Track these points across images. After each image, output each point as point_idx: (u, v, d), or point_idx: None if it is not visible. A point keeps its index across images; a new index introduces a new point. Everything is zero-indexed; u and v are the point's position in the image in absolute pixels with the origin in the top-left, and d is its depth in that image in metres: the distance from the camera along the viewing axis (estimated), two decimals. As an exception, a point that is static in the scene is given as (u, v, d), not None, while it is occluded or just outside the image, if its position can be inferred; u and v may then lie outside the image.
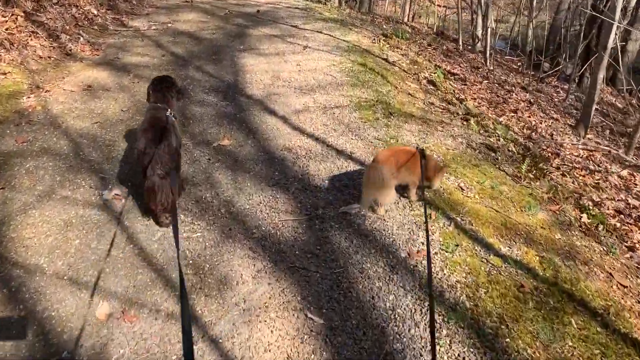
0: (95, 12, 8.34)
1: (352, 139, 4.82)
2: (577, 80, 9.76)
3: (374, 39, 8.65)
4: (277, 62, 6.87)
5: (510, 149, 5.19)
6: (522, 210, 3.95)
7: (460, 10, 11.80)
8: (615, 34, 6.89)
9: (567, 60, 11.88)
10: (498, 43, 17.73)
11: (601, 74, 6.67)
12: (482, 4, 10.72)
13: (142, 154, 3.17)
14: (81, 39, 7.12)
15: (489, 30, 9.16)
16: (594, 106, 6.79)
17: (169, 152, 3.18)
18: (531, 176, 4.62)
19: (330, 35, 8.42)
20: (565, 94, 8.58)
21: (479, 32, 11.58)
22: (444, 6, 23.84)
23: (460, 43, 10.49)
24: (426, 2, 23.50)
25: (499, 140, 5.38)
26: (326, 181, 4.05)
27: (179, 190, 3.66)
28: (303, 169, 4.23)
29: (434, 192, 3.99)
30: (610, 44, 6.51)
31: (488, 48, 9.19)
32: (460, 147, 5.01)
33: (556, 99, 8.56)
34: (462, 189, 4.12)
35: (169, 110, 3.54)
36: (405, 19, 15.15)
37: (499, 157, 4.93)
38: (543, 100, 8.22)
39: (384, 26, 10.90)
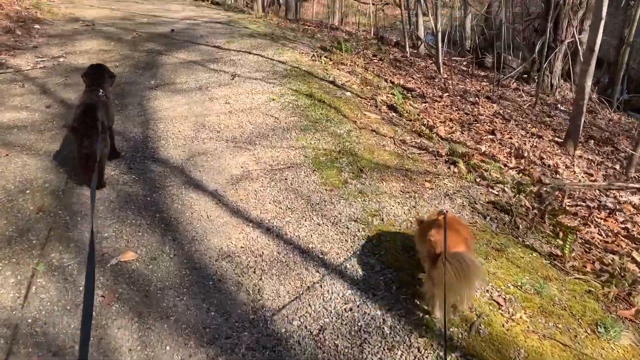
0: (-39, 52, 6.34)
1: (318, 224, 3.27)
2: (535, 80, 8.63)
3: (314, 55, 7.10)
4: (199, 100, 5.19)
5: (523, 204, 3.79)
6: (594, 333, 2.53)
7: (403, 10, 10.41)
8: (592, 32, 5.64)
9: (519, 57, 10.82)
10: (428, 38, 16.66)
11: (589, 80, 5.42)
12: (423, 2, 9.41)
13: (74, 128, 3.41)
14: None
15: (439, 32, 7.81)
16: (583, 118, 5.56)
17: (96, 125, 3.41)
18: (572, 256, 3.23)
19: (261, 55, 6.77)
20: (534, 100, 7.38)
21: (421, 33, 10.28)
22: (372, 3, 22.62)
23: (407, 49, 9.11)
24: (350, 0, 22.19)
25: (504, 191, 3.98)
26: (295, 319, 2.50)
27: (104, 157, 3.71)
28: (254, 296, 2.64)
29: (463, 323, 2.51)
30: (598, 43, 5.25)
31: (441, 54, 7.84)
32: (465, 214, 3.58)
33: (522, 104, 7.37)
34: (499, 304, 2.65)
35: (101, 91, 3.83)
36: (336, 22, 13.69)
37: (519, 225, 3.51)
38: (511, 109, 6.97)
39: (318, 35, 9.38)
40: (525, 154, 5.33)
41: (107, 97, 3.89)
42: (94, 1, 12.30)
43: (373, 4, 22.30)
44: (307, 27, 10.64)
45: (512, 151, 5.30)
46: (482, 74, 9.62)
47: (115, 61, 6.52)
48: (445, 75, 7.94)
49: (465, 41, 12.38)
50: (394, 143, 4.62)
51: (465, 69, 9.52)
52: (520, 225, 3.53)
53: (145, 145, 4.23)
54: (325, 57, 7.02)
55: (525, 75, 8.89)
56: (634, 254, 3.60)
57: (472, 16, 12.71)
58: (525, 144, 5.65)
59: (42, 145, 4.18)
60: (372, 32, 11.67)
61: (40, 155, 4.04)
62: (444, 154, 4.52)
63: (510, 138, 5.73)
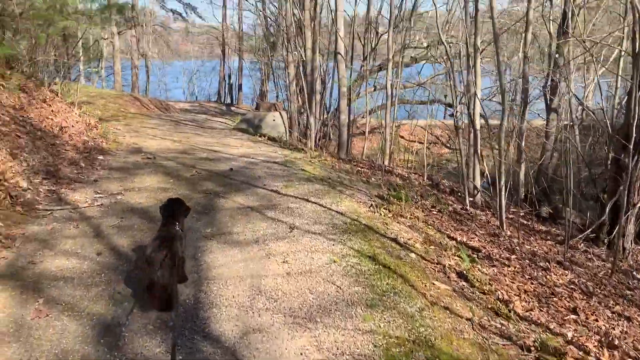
0: (25, 185, 6.31)
1: None
2: (605, 243, 8.01)
3: (372, 205, 6.79)
4: (256, 256, 4.81)
5: None
6: None
7: (461, 158, 10.24)
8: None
9: (577, 208, 10.29)
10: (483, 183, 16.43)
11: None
12: (479, 150, 9.22)
13: (149, 258, 3.65)
14: (-11, 231, 5.02)
15: (502, 188, 7.44)
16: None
17: (172, 257, 3.64)
18: None
19: (319, 204, 6.49)
20: (609, 268, 6.72)
21: (477, 181, 9.98)
22: (418, 141, 23.00)
23: (467, 200, 8.75)
24: (397, 138, 22.64)
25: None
26: None
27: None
28: None
29: None
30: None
31: (504, 209, 7.41)
32: None
33: (597, 271, 6.70)
34: None
35: (177, 224, 4.10)
36: (386, 162, 13.67)
37: None
38: (586, 277, 6.31)
39: (373, 180, 9.20)
40: (617, 342, 4.60)
41: (182, 229, 4.17)
42: (157, 131, 12.79)
43: (420, 143, 22.64)
44: (360, 168, 10.55)
45: (602, 339, 4.58)
46: (543, 228, 9.07)
47: (172, 202, 6.37)
48: (509, 233, 7.43)
49: (520, 188, 12.00)
50: (473, 328, 4.02)
51: (524, 222, 9.00)
52: None
53: (196, 313, 3.78)
54: (384, 208, 6.69)
55: (593, 235, 8.28)
56: None
57: (527, 164, 12.43)
58: (614, 328, 4.92)
59: (85, 305, 3.80)
60: (424, 176, 11.48)
61: (82, 318, 3.64)
62: (532, 347, 3.86)
63: (596, 320, 5.03)
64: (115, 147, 9.86)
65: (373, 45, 18.70)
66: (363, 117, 21.65)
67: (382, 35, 19.35)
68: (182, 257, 3.96)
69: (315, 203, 6.47)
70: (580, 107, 13.48)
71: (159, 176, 7.60)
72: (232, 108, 28.12)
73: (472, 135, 8.95)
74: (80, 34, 15.01)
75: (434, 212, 7.40)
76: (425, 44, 21.39)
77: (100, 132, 10.69)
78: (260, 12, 20.26)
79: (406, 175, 11.14)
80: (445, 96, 20.85)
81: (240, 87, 29.60)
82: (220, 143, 11.53)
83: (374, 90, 20.14)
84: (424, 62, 21.53)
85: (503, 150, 7.08)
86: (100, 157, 8.65)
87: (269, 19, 20.75)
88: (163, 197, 6.52)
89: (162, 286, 3.57)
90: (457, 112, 10.74)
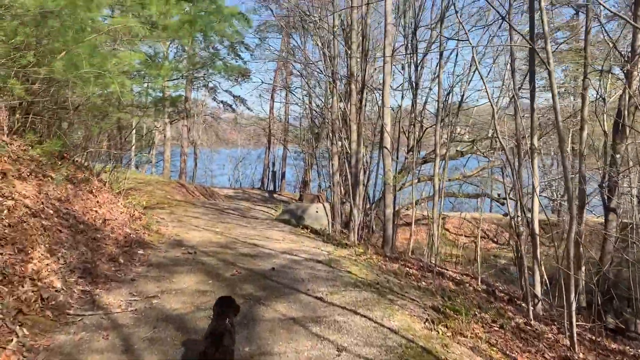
0: (59, 286, 5.94)
1: None
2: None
3: (427, 320, 6.04)
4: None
5: None
6: None
7: (521, 260, 9.41)
8: None
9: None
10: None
11: None
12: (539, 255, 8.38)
13: (204, 353, 3.79)
14: (13, 341, 4.57)
15: (573, 303, 6.56)
16: None
17: (224, 352, 3.83)
18: None
19: (369, 318, 5.80)
20: None
21: (538, 290, 9.06)
22: (464, 235, 22.08)
23: (530, 314, 7.82)
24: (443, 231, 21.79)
25: None
26: None
27: None
28: None
29: None
30: None
31: (574, 327, 6.49)
32: None
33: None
34: None
35: (228, 319, 4.23)
36: (432, 260, 12.85)
37: None
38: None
39: (423, 283, 8.46)
40: None
41: (232, 325, 4.28)
42: (200, 221, 12.55)
43: (466, 237, 21.72)
44: (408, 268, 9.83)
45: None
46: (616, 347, 7.97)
47: (211, 308, 5.84)
48: (582, 355, 6.46)
49: (581, 295, 10.92)
50: None
51: (593, 337, 7.95)
52: None
53: None
54: (442, 325, 5.92)
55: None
56: None
57: (587, 267, 11.43)
58: None
59: None
60: (478, 279, 10.60)
61: None
62: None
63: None
64: (157, 240, 9.58)
65: (417, 138, 18.50)
66: (407, 209, 21.09)
67: (427, 129, 19.20)
68: (232, 350, 4.05)
69: (365, 317, 5.79)
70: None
71: (198, 275, 7.15)
72: (275, 195, 28.15)
73: (530, 239, 8.18)
74: (134, 124, 15.56)
75: (496, 328, 6.55)
76: (469, 138, 21.12)
77: (144, 222, 10.50)
78: (307, 105, 20.62)
79: (459, 279, 10.30)
80: (492, 190, 20.18)
81: (283, 175, 29.85)
82: (263, 236, 11.12)
83: (418, 182, 19.70)
84: (469, 155, 21.12)
85: (572, 261, 6.30)
86: (141, 252, 8.33)
87: (314, 112, 21.07)
88: (201, 303, 6.01)
89: None
90: (511, 210, 10.02)
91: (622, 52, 12.47)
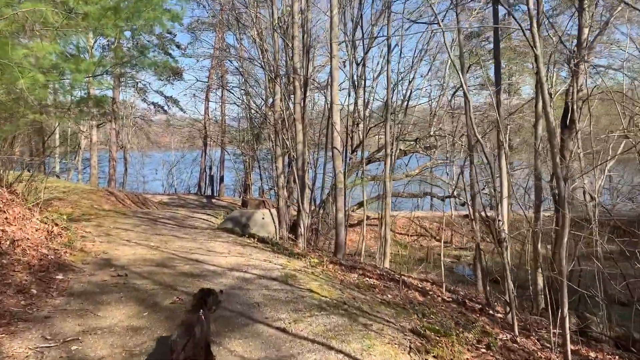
0: (-57, 335, 4.50)
1: None
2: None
3: (411, 349, 5.10)
4: None
5: None
6: None
7: (483, 268, 8.71)
8: None
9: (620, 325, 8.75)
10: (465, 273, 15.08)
11: None
12: (508, 263, 7.70)
13: (172, 345, 3.70)
14: None
15: (566, 317, 5.83)
16: None
17: (196, 344, 3.77)
18: None
19: (346, 354, 4.74)
20: None
21: (509, 297, 8.39)
22: (407, 234, 21.65)
23: (515, 328, 7.06)
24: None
25: None
26: None
27: None
28: None
29: None
30: None
31: (568, 346, 5.75)
32: None
33: None
34: None
35: (203, 311, 4.14)
36: (387, 263, 12.09)
37: None
38: None
39: (389, 296, 7.56)
40: None
41: (207, 318, 4.15)
42: (131, 234, 11.07)
43: (410, 236, 21.24)
44: (368, 278, 8.91)
45: None
46: (599, 357, 7.40)
47: (145, 353, 4.58)
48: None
49: (539, 297, 10.47)
50: None
51: (573, 347, 7.35)
52: None
53: None
54: (427, 352, 4.99)
55: None
56: None
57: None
58: None
59: None
60: (443, 287, 9.84)
61: None
62: None
63: None
64: (81, 259, 8.12)
65: (362, 138, 17.75)
66: (353, 210, 20.34)
67: (370, 128, 18.50)
68: (207, 343, 4.10)
69: (342, 352, 4.74)
70: (592, 203, 12.37)
71: (131, 306, 5.84)
72: (214, 200, 26.55)
73: (502, 246, 7.44)
74: (55, 128, 13.72)
75: (483, 350, 5.72)
76: (411, 137, 20.65)
77: (65, 240, 8.95)
78: (246, 105, 19.36)
79: (421, 287, 9.49)
80: (432, 188, 19.85)
81: (221, 178, 28.28)
82: (205, 249, 9.84)
83: (362, 181, 19.00)
84: (411, 154, 20.68)
85: (564, 269, 5.58)
86: (60, 277, 6.87)
87: (253, 111, 19.81)
88: (135, 346, 4.75)
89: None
90: (472, 210, 9.36)
91: (568, 47, 12.24)
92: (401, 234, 22.10)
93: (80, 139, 30.89)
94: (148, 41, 25.82)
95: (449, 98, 18.65)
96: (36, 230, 8.40)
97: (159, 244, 10.11)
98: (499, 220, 7.29)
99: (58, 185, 18.63)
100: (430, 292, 8.83)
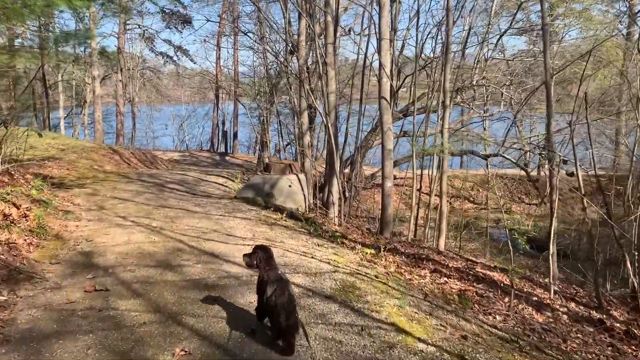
0: None
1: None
2: None
3: None
4: None
5: None
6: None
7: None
8: None
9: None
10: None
11: None
12: None
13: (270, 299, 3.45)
14: None
15: None
16: None
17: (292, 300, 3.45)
18: None
19: None
20: None
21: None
22: (435, 194, 18.96)
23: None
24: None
25: None
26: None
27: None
28: None
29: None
30: None
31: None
32: None
33: None
34: None
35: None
36: (442, 243, 9.50)
37: None
38: None
39: (498, 318, 4.92)
40: None
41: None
42: (130, 208, 8.45)
43: (437, 195, 18.37)
44: (447, 277, 6.22)
45: None
46: None
47: None
48: None
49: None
50: None
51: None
52: None
53: None
54: None
55: None
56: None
57: None
58: None
59: None
60: (551, 291, 7.04)
61: None
62: None
63: None
64: (51, 255, 5.57)
65: (397, 87, 14.70)
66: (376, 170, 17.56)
67: (406, 77, 15.40)
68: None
69: None
70: None
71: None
72: (227, 158, 23.79)
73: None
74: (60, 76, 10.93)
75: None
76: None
77: (33, 224, 6.34)
78: (263, 52, 16.22)
79: (520, 290, 6.73)
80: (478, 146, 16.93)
81: (235, 134, 25.35)
82: (222, 231, 7.19)
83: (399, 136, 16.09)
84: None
85: None
86: (2, 298, 4.24)
87: (271, 57, 16.64)
88: None
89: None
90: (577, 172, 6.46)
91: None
92: (428, 194, 19.31)
93: (85, 92, 27.87)
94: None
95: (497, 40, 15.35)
96: (-14, 213, 5.78)
97: (164, 222, 7.47)
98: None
99: (56, 142, 15.95)
100: (538, 298, 6.12)
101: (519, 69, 16.69)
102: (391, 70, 14.99)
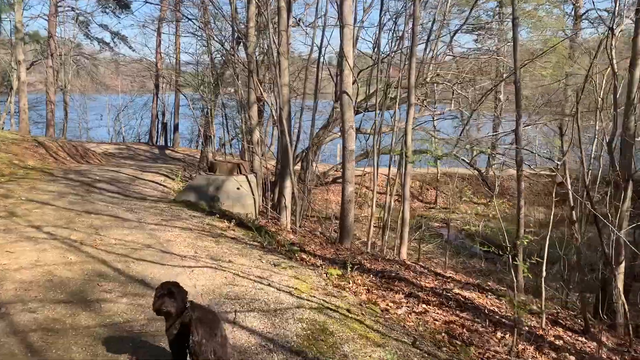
0: None
1: None
2: None
3: None
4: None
5: None
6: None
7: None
8: None
9: None
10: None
11: None
12: None
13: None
14: None
15: None
16: None
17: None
18: None
19: None
20: None
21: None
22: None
23: None
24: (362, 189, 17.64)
25: None
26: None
27: None
28: None
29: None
30: None
31: None
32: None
33: None
34: None
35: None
36: (404, 252, 8.66)
37: None
38: None
39: (494, 349, 4.01)
40: None
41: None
42: (49, 215, 6.94)
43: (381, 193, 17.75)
44: (425, 304, 5.28)
45: None
46: None
47: None
48: None
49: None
50: None
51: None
52: None
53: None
54: None
55: None
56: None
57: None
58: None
59: None
60: (543, 319, 6.27)
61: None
62: None
63: None
64: None
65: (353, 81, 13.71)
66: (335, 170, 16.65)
67: (361, 71, 14.44)
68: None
69: None
70: None
71: None
72: (167, 152, 21.95)
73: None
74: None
75: None
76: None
77: None
78: (207, 39, 14.71)
79: (500, 316, 5.86)
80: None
81: (176, 127, 23.49)
82: (157, 246, 5.88)
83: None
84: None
85: None
86: None
87: (216, 45, 15.17)
88: None
89: None
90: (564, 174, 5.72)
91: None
92: (380, 193, 18.57)
93: (12, 78, 24.90)
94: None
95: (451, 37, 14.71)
96: None
97: (86, 234, 6.06)
98: None
99: (-31, 133, 13.81)
100: (527, 327, 5.26)
101: (469, 67, 16.17)
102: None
